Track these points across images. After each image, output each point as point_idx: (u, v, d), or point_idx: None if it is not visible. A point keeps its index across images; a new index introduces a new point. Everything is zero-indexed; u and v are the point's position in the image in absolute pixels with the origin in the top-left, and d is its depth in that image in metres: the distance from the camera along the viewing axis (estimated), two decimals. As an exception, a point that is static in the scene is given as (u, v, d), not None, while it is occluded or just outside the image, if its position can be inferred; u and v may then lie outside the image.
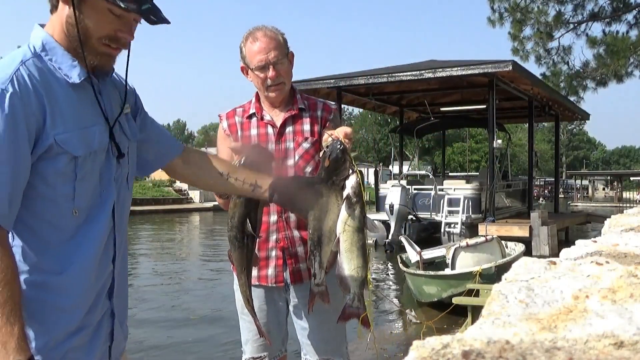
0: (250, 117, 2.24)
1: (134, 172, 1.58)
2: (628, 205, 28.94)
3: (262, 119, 2.22)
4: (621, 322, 0.59)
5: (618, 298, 0.66)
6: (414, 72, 13.01)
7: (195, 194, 35.99)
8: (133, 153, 1.55)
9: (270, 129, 2.20)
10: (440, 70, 12.60)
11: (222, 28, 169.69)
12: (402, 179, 15.35)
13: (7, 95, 1.22)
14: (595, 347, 0.54)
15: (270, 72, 2.12)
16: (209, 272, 10.92)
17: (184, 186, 37.30)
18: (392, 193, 12.91)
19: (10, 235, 1.29)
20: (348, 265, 1.69)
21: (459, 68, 12.41)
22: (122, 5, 1.29)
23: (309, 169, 2.15)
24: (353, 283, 1.71)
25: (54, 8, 1.37)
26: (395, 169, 18.72)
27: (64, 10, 1.34)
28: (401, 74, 13.10)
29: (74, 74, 1.35)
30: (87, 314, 1.40)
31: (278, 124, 2.20)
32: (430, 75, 12.72)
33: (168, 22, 1.38)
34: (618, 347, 0.53)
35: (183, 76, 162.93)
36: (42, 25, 1.40)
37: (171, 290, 9.15)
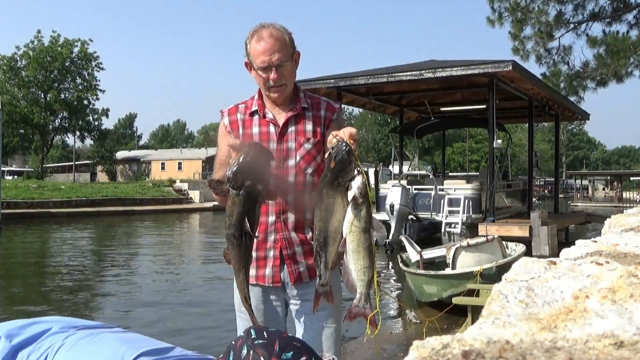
0: (252, 114, 2.21)
1: None
2: (628, 205, 28.94)
3: (264, 117, 2.19)
4: (621, 322, 0.59)
5: (618, 298, 0.66)
6: (414, 72, 13.02)
7: (195, 194, 35.98)
8: None
9: (272, 128, 2.17)
10: (440, 70, 12.61)
11: (224, 29, 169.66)
12: (402, 179, 15.37)
13: None
14: (595, 347, 0.54)
15: (273, 75, 2.08)
16: (209, 270, 10.91)
17: (184, 186, 37.31)
18: (392, 193, 12.92)
19: None
20: (355, 265, 1.69)
21: (459, 68, 12.41)
22: None
23: (309, 170, 2.13)
24: (359, 283, 1.72)
25: None
26: (395, 169, 18.72)
27: None
28: (401, 74, 13.11)
29: None
30: None
31: (280, 123, 2.16)
32: (430, 75, 12.72)
33: None
34: (618, 347, 0.53)
35: (184, 76, 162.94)
36: None
37: (171, 289, 9.14)
